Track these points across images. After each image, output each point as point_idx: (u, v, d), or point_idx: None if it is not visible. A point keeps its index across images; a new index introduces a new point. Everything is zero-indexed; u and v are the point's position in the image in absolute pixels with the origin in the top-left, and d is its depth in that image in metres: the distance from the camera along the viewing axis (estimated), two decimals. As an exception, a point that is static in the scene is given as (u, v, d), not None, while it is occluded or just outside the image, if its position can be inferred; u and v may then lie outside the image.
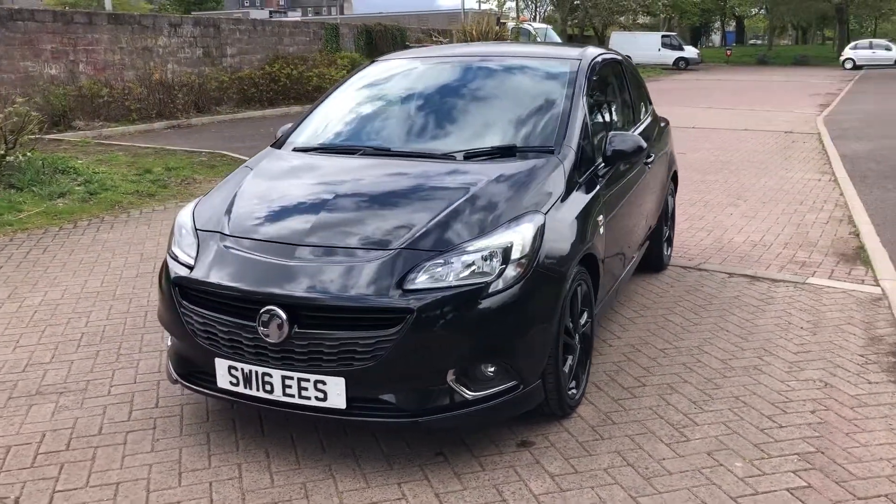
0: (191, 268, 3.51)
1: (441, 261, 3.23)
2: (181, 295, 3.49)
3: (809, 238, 7.32)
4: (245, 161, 4.49)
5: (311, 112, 4.72)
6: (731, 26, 77.32)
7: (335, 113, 4.64)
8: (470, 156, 3.95)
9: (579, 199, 3.84)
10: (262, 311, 3.20)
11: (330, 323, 3.17)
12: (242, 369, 3.30)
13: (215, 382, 3.41)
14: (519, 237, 3.33)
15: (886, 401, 3.96)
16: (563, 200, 3.69)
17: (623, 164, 4.45)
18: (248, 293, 3.27)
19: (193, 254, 3.55)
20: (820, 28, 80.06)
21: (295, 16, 74.72)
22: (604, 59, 5.03)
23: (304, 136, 4.50)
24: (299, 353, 3.19)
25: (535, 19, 54.41)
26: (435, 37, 22.80)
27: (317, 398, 3.21)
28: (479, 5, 49.83)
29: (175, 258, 3.63)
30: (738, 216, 8.26)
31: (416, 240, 3.31)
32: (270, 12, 76.67)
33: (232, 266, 3.40)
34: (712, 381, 4.18)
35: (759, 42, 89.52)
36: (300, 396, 3.23)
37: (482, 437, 3.57)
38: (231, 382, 3.35)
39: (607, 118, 4.83)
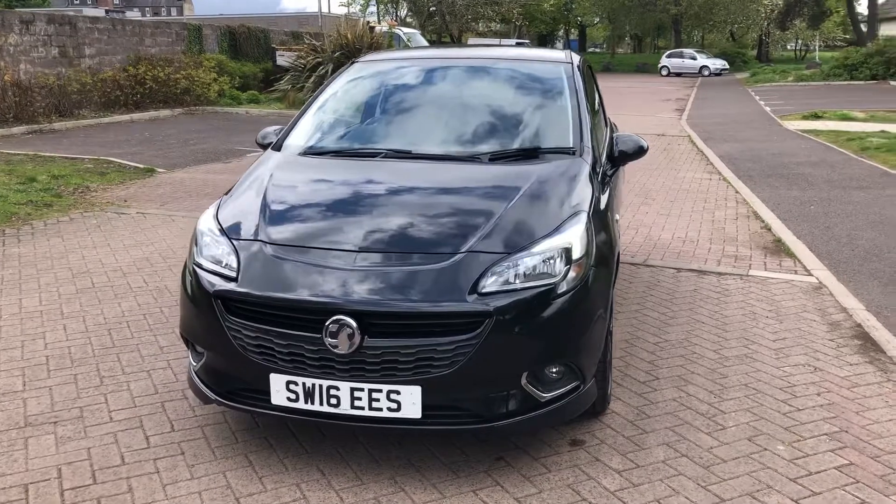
0: (233, 280, 3.30)
1: (508, 263, 3.20)
2: (225, 309, 3.27)
3: (728, 233, 7.79)
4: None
5: (303, 114, 4.55)
6: (575, 34, 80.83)
7: (334, 116, 4.49)
8: (495, 158, 3.95)
9: (603, 199, 3.93)
10: (329, 321, 3.06)
11: (404, 331, 3.08)
12: (304, 384, 3.14)
13: (268, 400, 3.23)
14: (576, 238, 3.37)
15: (873, 380, 4.29)
16: (597, 200, 3.76)
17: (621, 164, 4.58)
18: (312, 304, 3.12)
19: (234, 264, 3.34)
20: (654, 38, 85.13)
21: (134, 15, 71.25)
22: (583, 60, 5.15)
23: (309, 139, 4.33)
24: (371, 363, 3.07)
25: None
26: (308, 39, 22.39)
27: (389, 409, 3.10)
28: (344, 9, 49.45)
29: (208, 269, 3.40)
30: (654, 214, 8.67)
31: (480, 243, 3.27)
32: (106, 11, 72.80)
33: (287, 276, 3.22)
34: (717, 372, 4.37)
35: (597, 50, 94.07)
36: (370, 408, 3.11)
37: (532, 440, 3.57)
38: (289, 398, 3.18)
39: (598, 118, 4.95)
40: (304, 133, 4.40)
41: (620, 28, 70.55)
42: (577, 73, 4.60)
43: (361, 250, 3.27)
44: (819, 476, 3.32)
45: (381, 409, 3.11)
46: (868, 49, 35.01)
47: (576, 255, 3.32)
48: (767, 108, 23.54)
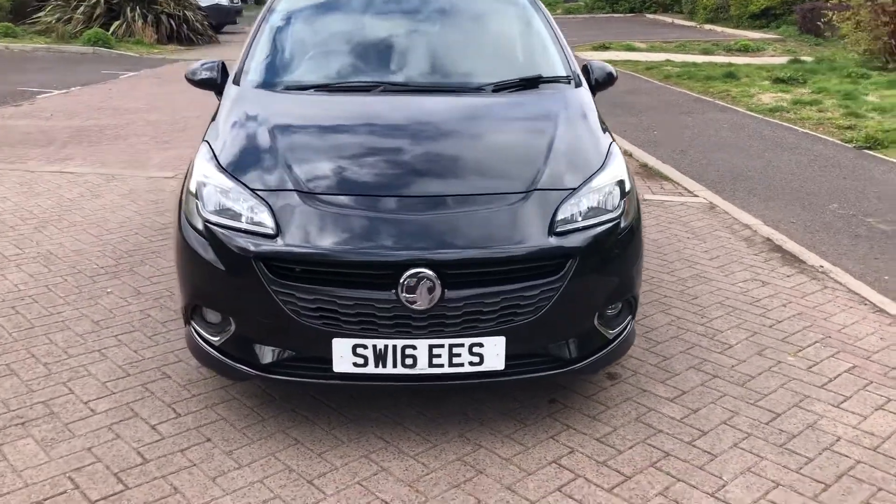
0: (272, 237, 2.86)
1: (574, 200, 3.06)
2: (269, 271, 2.84)
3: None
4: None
5: (255, 43, 3.99)
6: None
7: (299, 48, 3.99)
8: (499, 88, 3.73)
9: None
10: (405, 276, 2.76)
11: (486, 279, 2.85)
12: (375, 346, 2.83)
13: (329, 368, 2.88)
14: (624, 169, 3.29)
15: (816, 288, 4.66)
16: (607, 129, 3.68)
17: None
18: (386, 259, 2.79)
19: (268, 220, 2.90)
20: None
21: None
22: None
23: (282, 72, 3.83)
24: (452, 316, 2.82)
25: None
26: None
27: (471, 363, 2.88)
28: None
29: (230, 227, 2.93)
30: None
31: (545, 180, 3.08)
32: None
33: (345, 229, 2.85)
34: (686, 293, 4.54)
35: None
36: (450, 365, 2.87)
37: (571, 380, 3.49)
38: (356, 364, 2.85)
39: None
40: (271, 65, 3.87)
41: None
42: (540, 2, 4.44)
43: (423, 195, 2.96)
44: (839, 381, 3.56)
45: (462, 365, 2.88)
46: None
47: (627, 186, 3.24)
48: (551, 40, 24.47)
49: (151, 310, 4.19)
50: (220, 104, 3.74)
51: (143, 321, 4.05)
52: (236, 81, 3.79)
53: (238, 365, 3.00)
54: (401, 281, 2.76)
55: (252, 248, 2.85)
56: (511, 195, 3.00)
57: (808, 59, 15.51)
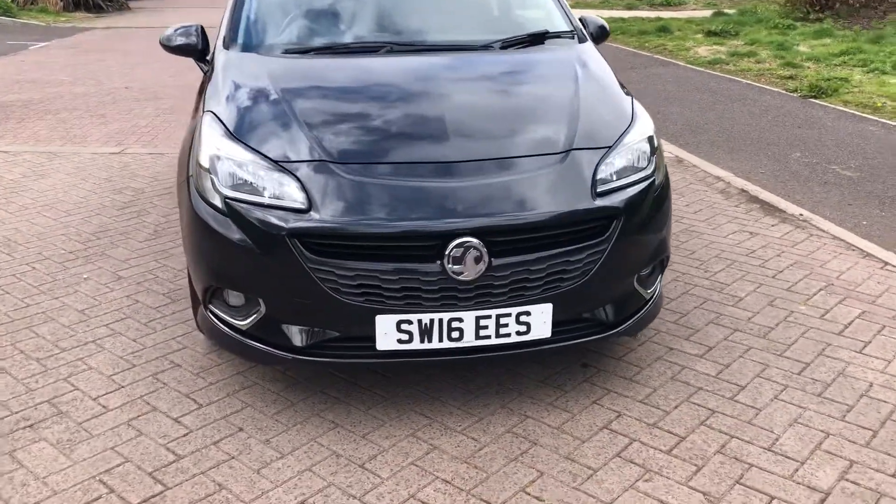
0: (304, 212, 2.68)
1: (609, 160, 2.97)
2: (304, 247, 2.66)
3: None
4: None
5: (241, 7, 3.72)
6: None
7: (293, 7, 3.74)
8: (506, 45, 3.59)
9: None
10: (451, 246, 2.62)
11: (532, 245, 2.74)
12: (420, 321, 2.70)
13: (371, 346, 2.73)
14: (651, 124, 3.22)
15: (803, 237, 4.72)
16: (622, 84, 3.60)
17: None
18: (431, 229, 2.64)
19: (297, 194, 2.71)
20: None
21: None
22: None
23: (277, 36, 3.58)
24: (499, 285, 2.71)
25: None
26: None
27: (518, 333, 2.78)
28: None
29: (255, 203, 2.73)
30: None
31: (577, 138, 2.97)
32: None
33: (385, 201, 2.69)
34: (682, 248, 4.53)
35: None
36: (497, 335, 2.76)
37: (596, 344, 3.42)
38: (400, 340, 2.72)
39: None
40: (264, 27, 3.62)
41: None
42: None
43: (459, 161, 2.82)
44: (854, 328, 3.61)
45: (508, 335, 2.78)
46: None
47: (655, 142, 3.18)
48: None
49: (138, 294, 3.93)
50: (211, 71, 3.48)
51: (133, 308, 3.79)
52: (227, 46, 3.53)
53: (270, 349, 2.82)
54: (447, 252, 2.62)
55: (285, 224, 2.67)
56: (549, 156, 2.89)
57: (731, 11, 15.79)
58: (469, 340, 2.75)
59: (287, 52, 3.47)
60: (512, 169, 2.83)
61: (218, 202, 2.80)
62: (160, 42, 3.89)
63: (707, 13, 15.91)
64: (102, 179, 5.82)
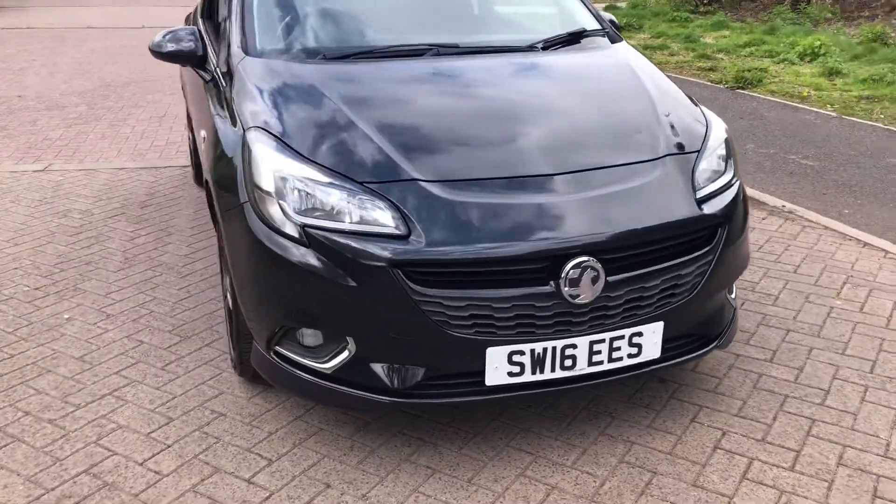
0: (404, 238, 2.39)
1: (702, 164, 2.82)
2: (407, 278, 2.37)
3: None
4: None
5: (254, 6, 3.31)
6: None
7: (320, 8, 3.37)
8: (547, 45, 3.38)
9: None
10: (567, 267, 2.40)
11: (645, 259, 2.55)
12: (533, 351, 2.46)
13: (481, 381, 2.47)
14: (724, 125, 3.09)
15: (798, 229, 4.77)
16: (670, 85, 3.46)
17: None
18: (544, 249, 2.41)
19: (390, 219, 2.41)
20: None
21: None
22: None
23: (309, 39, 3.21)
24: (614, 306, 2.51)
25: None
26: None
27: (629, 355, 2.59)
28: None
29: (341, 230, 2.41)
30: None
31: (666, 144, 2.81)
32: None
33: (489, 220, 2.42)
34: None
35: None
36: (610, 360, 2.57)
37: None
38: (511, 373, 2.47)
39: None
40: (291, 30, 3.24)
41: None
42: None
43: (559, 173, 2.59)
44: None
45: (620, 359, 2.58)
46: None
47: (732, 144, 3.06)
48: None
49: (139, 334, 3.47)
50: (230, 80, 3.09)
51: (141, 350, 3.35)
52: (248, 52, 3.14)
53: (363, 392, 2.50)
54: (563, 274, 2.40)
55: (385, 253, 2.36)
56: (647, 163, 2.71)
57: (622, 5, 16.16)
58: (581, 368, 2.54)
59: (325, 57, 3.10)
60: (614, 178, 2.64)
61: (291, 231, 2.46)
62: (150, 49, 3.43)
63: (599, 6, 16.22)
64: (36, 201, 5.20)
